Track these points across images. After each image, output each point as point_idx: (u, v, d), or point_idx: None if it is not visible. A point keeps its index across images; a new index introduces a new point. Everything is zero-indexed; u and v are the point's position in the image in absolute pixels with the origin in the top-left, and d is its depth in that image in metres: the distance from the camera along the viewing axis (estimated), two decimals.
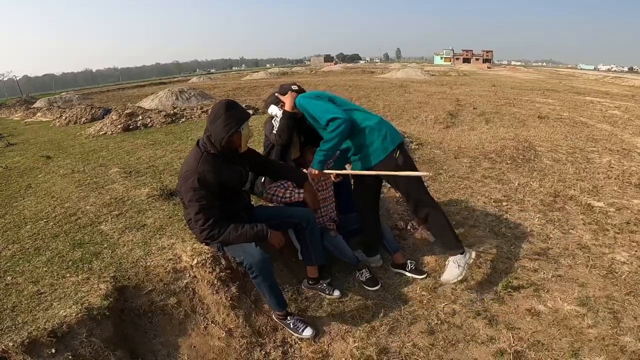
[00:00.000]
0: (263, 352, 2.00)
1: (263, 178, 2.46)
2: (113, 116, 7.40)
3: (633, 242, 2.92)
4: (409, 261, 2.60)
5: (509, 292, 2.35)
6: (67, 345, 1.68)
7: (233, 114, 1.90)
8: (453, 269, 2.24)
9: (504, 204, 3.61)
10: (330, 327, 2.17)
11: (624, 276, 2.47)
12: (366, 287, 2.44)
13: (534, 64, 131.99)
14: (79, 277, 2.05)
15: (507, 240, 2.95)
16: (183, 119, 8.08)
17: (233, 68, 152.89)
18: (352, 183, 2.81)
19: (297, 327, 2.10)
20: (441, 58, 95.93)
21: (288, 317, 2.14)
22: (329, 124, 2.13)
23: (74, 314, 1.76)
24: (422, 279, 2.50)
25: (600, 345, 1.95)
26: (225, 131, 1.88)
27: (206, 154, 1.94)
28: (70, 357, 1.65)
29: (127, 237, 2.49)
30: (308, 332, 2.09)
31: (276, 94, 2.43)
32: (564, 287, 2.40)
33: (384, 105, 10.31)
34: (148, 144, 5.40)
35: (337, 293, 2.37)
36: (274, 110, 2.41)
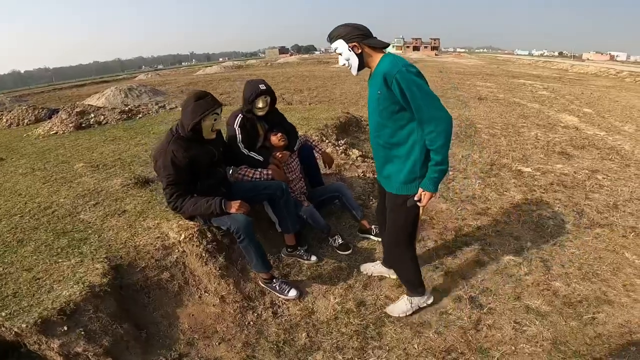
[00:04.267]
0: (255, 314, 2.20)
1: (231, 170, 2.57)
2: (62, 115, 6.99)
3: (556, 200, 3.49)
4: (373, 226, 2.89)
5: (459, 247, 2.74)
6: (77, 322, 1.78)
7: (201, 104, 2.08)
8: (403, 304, 2.18)
9: (450, 173, 4.09)
10: (312, 287, 2.41)
11: (549, 229, 2.96)
12: (339, 251, 2.73)
13: (476, 50, 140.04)
14: (72, 260, 2.13)
15: (455, 204, 3.41)
16: (140, 115, 7.85)
17: (183, 64, 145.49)
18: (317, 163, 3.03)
19: (283, 289, 2.32)
20: (393, 46, 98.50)
21: (273, 280, 2.34)
22: (432, 123, 1.63)
23: (77, 293, 1.86)
24: None
25: (537, 291, 2.28)
26: (191, 118, 2.07)
27: (177, 137, 2.12)
28: (82, 332, 1.75)
29: (110, 222, 2.57)
30: (293, 293, 2.31)
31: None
32: (503, 241, 2.81)
33: (340, 93, 10.70)
34: (107, 140, 5.27)
35: (314, 258, 2.63)
36: (342, 49, 1.79)
